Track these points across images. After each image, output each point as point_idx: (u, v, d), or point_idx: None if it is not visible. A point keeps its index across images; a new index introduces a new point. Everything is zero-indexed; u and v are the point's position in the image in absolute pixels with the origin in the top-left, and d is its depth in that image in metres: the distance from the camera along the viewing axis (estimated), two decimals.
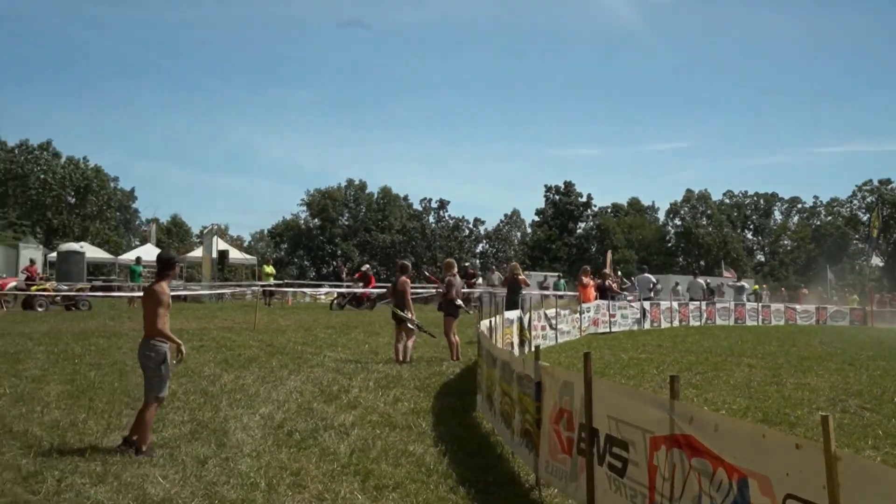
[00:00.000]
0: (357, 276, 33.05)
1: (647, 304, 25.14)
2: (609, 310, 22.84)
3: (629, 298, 26.12)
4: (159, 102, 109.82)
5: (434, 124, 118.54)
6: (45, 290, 26.68)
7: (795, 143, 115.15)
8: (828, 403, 10.14)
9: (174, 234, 69.40)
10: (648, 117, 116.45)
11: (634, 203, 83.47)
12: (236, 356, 13.97)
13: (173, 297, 7.52)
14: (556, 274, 43.10)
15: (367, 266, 36.73)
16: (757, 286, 42.82)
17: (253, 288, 30.63)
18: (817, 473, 2.92)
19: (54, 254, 36.70)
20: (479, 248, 78.20)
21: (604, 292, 23.71)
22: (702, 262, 70.32)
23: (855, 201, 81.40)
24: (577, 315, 20.81)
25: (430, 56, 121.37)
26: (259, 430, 8.11)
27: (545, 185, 78.51)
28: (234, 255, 43.56)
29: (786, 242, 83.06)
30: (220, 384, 10.88)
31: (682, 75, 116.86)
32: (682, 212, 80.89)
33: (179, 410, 8.93)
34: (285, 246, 77.26)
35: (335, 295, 31.70)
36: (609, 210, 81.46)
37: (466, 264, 51.06)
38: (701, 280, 32.87)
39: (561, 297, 29.42)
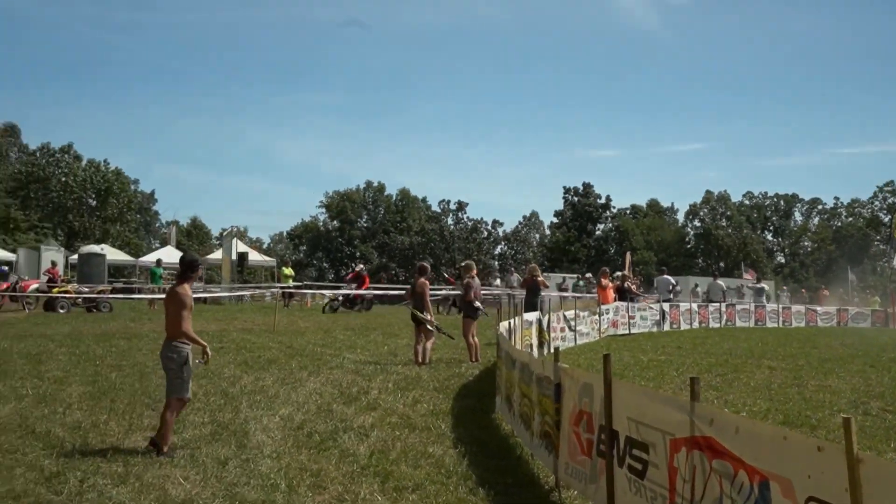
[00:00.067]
0: (350, 276, 32.79)
1: (666, 306, 25.05)
2: (628, 311, 22.78)
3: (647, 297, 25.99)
4: (179, 105, 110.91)
5: (453, 126, 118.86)
6: (66, 291, 26.95)
7: (815, 144, 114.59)
8: (849, 406, 10.07)
9: (194, 237, 69.62)
10: (667, 118, 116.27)
11: (653, 204, 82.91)
12: (256, 358, 14.06)
13: (193, 299, 7.56)
14: (575, 276, 42.90)
15: (362, 266, 36.39)
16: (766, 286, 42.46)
17: (272, 290, 30.70)
18: (839, 476, 2.90)
19: (75, 256, 36.97)
20: (498, 250, 78.20)
21: (623, 294, 23.67)
22: (721, 264, 69.76)
23: (876, 202, 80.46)
24: (596, 317, 20.77)
25: (447, 58, 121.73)
26: (279, 431, 8.14)
27: (564, 187, 78.29)
28: (254, 256, 43.64)
29: (806, 244, 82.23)
30: (240, 386, 10.95)
31: (700, 76, 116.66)
32: (701, 213, 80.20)
33: (200, 412, 8.98)
34: (304, 248, 77.26)
35: (326, 298, 31.56)
36: (628, 211, 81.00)
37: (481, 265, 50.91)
38: (721, 282, 32.70)
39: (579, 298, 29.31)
